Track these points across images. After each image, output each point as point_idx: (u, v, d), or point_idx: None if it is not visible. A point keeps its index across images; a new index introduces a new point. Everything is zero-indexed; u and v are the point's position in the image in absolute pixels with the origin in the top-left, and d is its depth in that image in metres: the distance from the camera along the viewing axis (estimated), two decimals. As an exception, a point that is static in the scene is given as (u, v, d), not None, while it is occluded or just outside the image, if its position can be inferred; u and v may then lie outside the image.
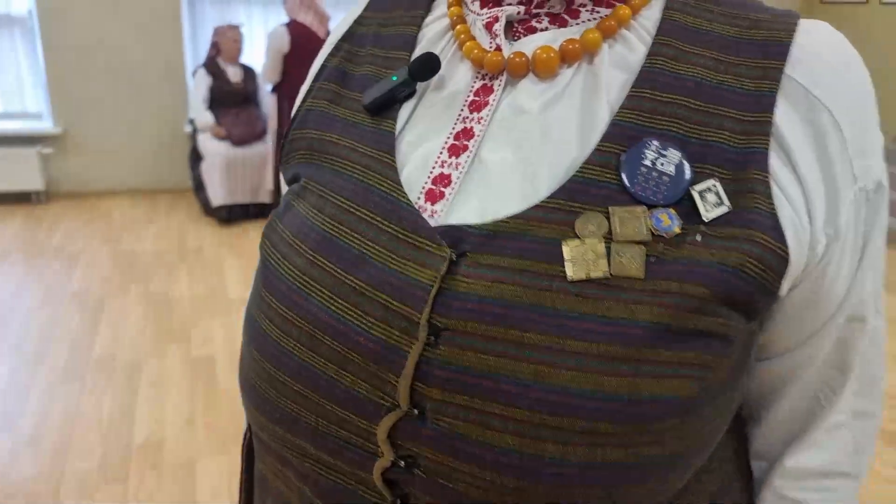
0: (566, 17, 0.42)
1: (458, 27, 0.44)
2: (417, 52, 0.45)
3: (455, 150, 0.40)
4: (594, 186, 0.36)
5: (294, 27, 3.61)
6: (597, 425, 0.34)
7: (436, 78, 0.43)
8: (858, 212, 0.39)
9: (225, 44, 4.00)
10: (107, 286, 3.11)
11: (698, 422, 0.37)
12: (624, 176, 0.36)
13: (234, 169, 3.93)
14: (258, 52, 4.39)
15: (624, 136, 0.37)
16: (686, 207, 0.36)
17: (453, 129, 0.41)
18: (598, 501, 0.36)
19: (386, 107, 0.43)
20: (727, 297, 0.35)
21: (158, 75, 4.45)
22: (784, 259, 0.36)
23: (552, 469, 0.34)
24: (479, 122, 0.41)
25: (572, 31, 0.41)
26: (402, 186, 0.40)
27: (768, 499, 0.48)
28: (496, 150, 0.40)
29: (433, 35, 0.46)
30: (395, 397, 0.37)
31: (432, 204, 0.40)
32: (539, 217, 0.36)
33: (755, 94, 0.38)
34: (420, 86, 0.44)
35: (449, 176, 0.40)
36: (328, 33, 3.62)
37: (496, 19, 0.42)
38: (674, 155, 0.37)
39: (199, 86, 3.98)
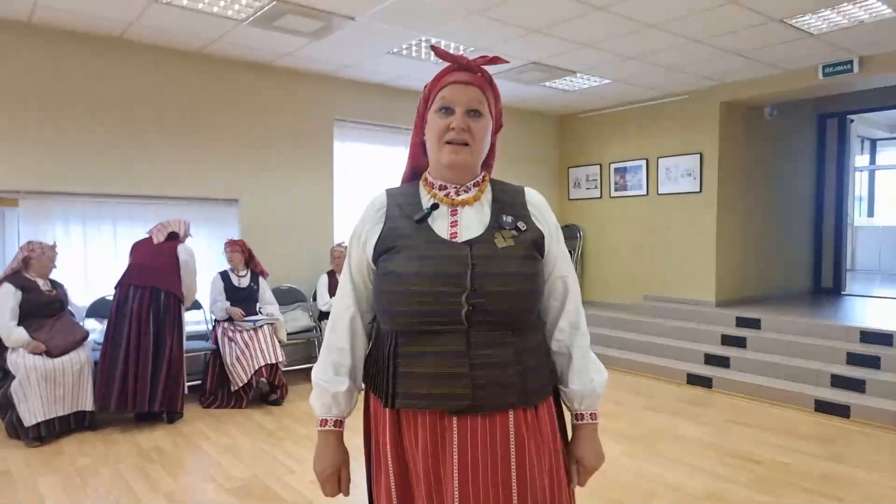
0: (466, 190, 1.36)
1: (437, 196, 1.35)
2: (424, 205, 1.35)
3: (453, 226, 1.32)
4: (495, 227, 1.31)
5: (141, 242, 4.44)
6: (519, 277, 1.27)
7: (437, 210, 1.33)
8: (552, 232, 1.38)
9: (38, 260, 3.99)
10: None
11: (538, 279, 1.32)
12: (501, 222, 1.32)
13: (52, 381, 3.75)
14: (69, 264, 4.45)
15: (495, 215, 1.34)
16: (517, 228, 1.32)
17: (450, 220, 1.33)
18: (527, 301, 1.29)
19: (423, 220, 1.31)
20: (534, 246, 1.32)
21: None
22: (542, 235, 1.35)
23: (515, 293, 1.26)
24: (456, 219, 1.33)
25: (471, 194, 1.36)
26: (440, 235, 1.30)
27: (577, 350, 1.38)
28: (464, 221, 1.33)
29: (426, 201, 1.36)
30: (465, 285, 1.23)
31: (453, 238, 1.30)
32: (485, 233, 1.30)
33: (520, 203, 1.38)
34: (433, 212, 1.33)
35: (455, 232, 1.31)
36: (173, 243, 4.37)
37: (449, 193, 1.36)
38: (510, 217, 1.33)
39: (6, 301, 3.82)
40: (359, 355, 1.39)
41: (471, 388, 1.22)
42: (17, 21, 4.38)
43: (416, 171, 1.44)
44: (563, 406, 1.42)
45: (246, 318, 4.75)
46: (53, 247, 4.13)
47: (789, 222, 7.51)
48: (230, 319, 4.76)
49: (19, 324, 3.83)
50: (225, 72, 5.30)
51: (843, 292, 7.74)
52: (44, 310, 3.95)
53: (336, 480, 1.39)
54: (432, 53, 5.19)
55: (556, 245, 1.37)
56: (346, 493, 1.40)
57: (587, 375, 1.37)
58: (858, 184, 10.86)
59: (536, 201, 1.39)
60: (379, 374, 1.32)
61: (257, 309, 4.96)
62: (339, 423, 1.38)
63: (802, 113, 7.54)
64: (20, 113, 4.43)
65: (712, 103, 6.40)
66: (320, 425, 1.37)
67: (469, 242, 1.27)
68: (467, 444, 1.23)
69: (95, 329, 4.43)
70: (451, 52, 1.50)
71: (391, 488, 1.31)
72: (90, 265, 4.76)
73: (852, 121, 7.88)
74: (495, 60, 1.36)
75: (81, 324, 4.31)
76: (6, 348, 3.83)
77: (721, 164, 6.43)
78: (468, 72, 1.33)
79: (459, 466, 1.22)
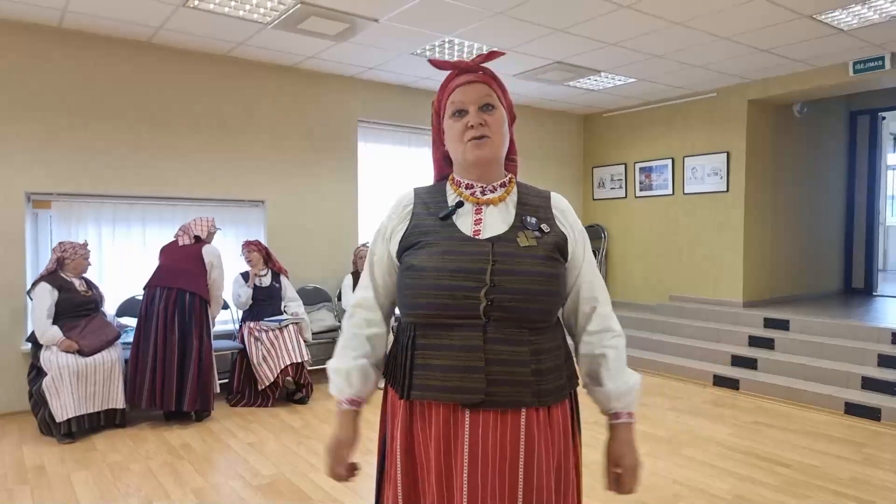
0: (492, 190, 1.37)
1: (463, 195, 1.37)
2: (450, 203, 1.37)
3: (476, 224, 1.33)
4: (518, 227, 1.33)
5: (168, 245, 4.49)
6: (539, 277, 1.27)
7: (462, 207, 1.36)
8: (577, 237, 1.39)
9: (73, 259, 4.12)
10: (-69, 523, 2.77)
11: (559, 281, 1.32)
12: (525, 223, 1.33)
13: (84, 379, 3.84)
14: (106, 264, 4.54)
15: (519, 216, 1.35)
16: (540, 230, 1.33)
17: (473, 219, 1.34)
18: (546, 301, 1.28)
19: (447, 217, 1.34)
20: (556, 248, 1.33)
21: (-6, 295, 4.33)
22: (565, 239, 1.36)
23: (535, 292, 1.26)
24: (480, 217, 1.35)
25: (496, 194, 1.37)
26: (464, 232, 1.32)
27: (611, 351, 1.38)
28: (488, 220, 1.34)
29: (451, 199, 1.38)
30: (485, 281, 1.25)
31: (476, 235, 1.31)
32: (508, 232, 1.31)
33: (545, 207, 1.39)
34: (458, 210, 1.35)
35: (479, 230, 1.32)
36: (198, 245, 4.39)
37: (475, 192, 1.37)
38: (533, 219, 1.35)
39: (42, 300, 3.93)
40: (375, 343, 1.42)
41: (485, 382, 1.23)
42: (48, 26, 4.49)
43: (443, 178, 1.48)
44: (600, 408, 1.42)
45: (271, 318, 4.81)
46: (85, 245, 4.24)
47: (819, 222, 7.36)
48: (255, 317, 4.83)
49: (54, 322, 3.93)
50: (250, 75, 5.37)
51: (874, 293, 7.58)
52: (79, 309, 4.05)
53: (341, 458, 1.38)
54: (447, 57, 5.20)
55: (580, 249, 1.39)
56: (350, 475, 1.40)
57: (622, 375, 1.38)
58: (890, 182, 10.58)
59: (562, 206, 1.41)
60: (397, 367, 1.34)
61: (282, 308, 5.02)
62: (354, 402, 1.39)
63: (833, 110, 7.39)
64: (52, 117, 4.54)
65: (740, 101, 6.31)
66: (337, 406, 1.40)
67: (491, 240, 1.29)
68: (478, 439, 1.24)
69: (125, 328, 4.53)
70: (475, 52, 1.54)
71: (397, 481, 1.32)
72: (120, 266, 4.86)
73: (884, 118, 7.69)
74: (492, 55, 1.39)
75: (114, 323, 4.40)
76: (40, 346, 3.94)
77: (749, 163, 6.33)
78: (470, 73, 1.37)
79: (469, 460, 1.23)
